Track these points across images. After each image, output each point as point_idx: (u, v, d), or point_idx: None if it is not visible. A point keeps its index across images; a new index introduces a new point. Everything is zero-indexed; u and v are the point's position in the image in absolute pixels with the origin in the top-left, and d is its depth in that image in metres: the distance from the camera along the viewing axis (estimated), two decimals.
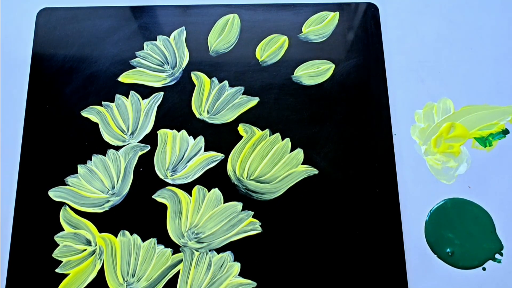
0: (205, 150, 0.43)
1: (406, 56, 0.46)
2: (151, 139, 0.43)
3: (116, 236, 0.40)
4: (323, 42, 0.46)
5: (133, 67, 0.45)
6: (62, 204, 0.41)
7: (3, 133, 0.43)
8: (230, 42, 0.46)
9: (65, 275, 0.39)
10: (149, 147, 0.43)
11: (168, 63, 0.46)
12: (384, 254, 0.39)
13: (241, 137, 0.43)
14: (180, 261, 0.39)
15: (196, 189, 0.41)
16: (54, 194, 0.41)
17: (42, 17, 0.47)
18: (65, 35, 0.46)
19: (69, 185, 0.41)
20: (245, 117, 0.43)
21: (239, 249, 0.40)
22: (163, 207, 0.41)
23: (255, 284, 0.39)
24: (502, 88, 0.45)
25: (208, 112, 0.44)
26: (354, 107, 0.44)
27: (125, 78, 0.45)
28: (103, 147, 0.43)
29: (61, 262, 0.39)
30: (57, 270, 0.39)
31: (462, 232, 0.40)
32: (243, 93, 0.44)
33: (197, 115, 0.44)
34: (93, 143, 0.43)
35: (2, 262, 0.40)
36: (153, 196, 0.41)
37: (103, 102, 0.44)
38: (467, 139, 0.43)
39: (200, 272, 0.39)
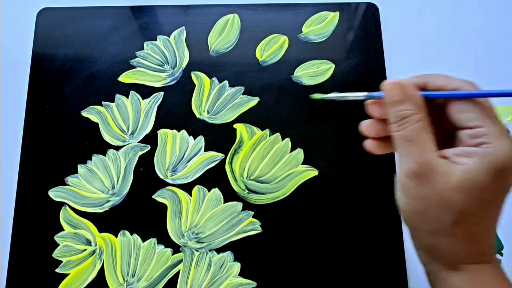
0: (205, 150, 0.43)
1: (406, 56, 0.46)
2: (151, 139, 0.43)
3: (116, 236, 0.40)
4: (323, 42, 0.46)
5: (133, 67, 0.45)
6: (62, 204, 0.41)
7: (3, 133, 0.43)
8: (230, 42, 0.46)
9: (65, 275, 0.39)
10: (149, 147, 0.43)
11: (168, 63, 0.46)
12: (384, 253, 0.39)
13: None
14: (180, 261, 0.39)
15: (196, 189, 0.41)
16: (54, 194, 0.41)
17: (42, 17, 0.47)
18: (65, 35, 0.46)
19: (69, 185, 0.41)
20: (245, 117, 0.43)
21: (239, 249, 0.40)
22: (163, 207, 0.41)
23: (255, 284, 0.39)
24: (502, 88, 0.45)
25: (208, 112, 0.44)
26: (354, 107, 0.44)
27: (125, 78, 0.45)
28: (103, 147, 0.43)
29: (61, 262, 0.39)
30: (57, 270, 0.39)
31: None
32: (243, 93, 0.44)
33: (197, 115, 0.44)
34: (93, 143, 0.43)
35: (2, 262, 0.39)
36: (153, 196, 0.41)
37: (103, 102, 0.44)
38: None
39: (200, 272, 0.39)
